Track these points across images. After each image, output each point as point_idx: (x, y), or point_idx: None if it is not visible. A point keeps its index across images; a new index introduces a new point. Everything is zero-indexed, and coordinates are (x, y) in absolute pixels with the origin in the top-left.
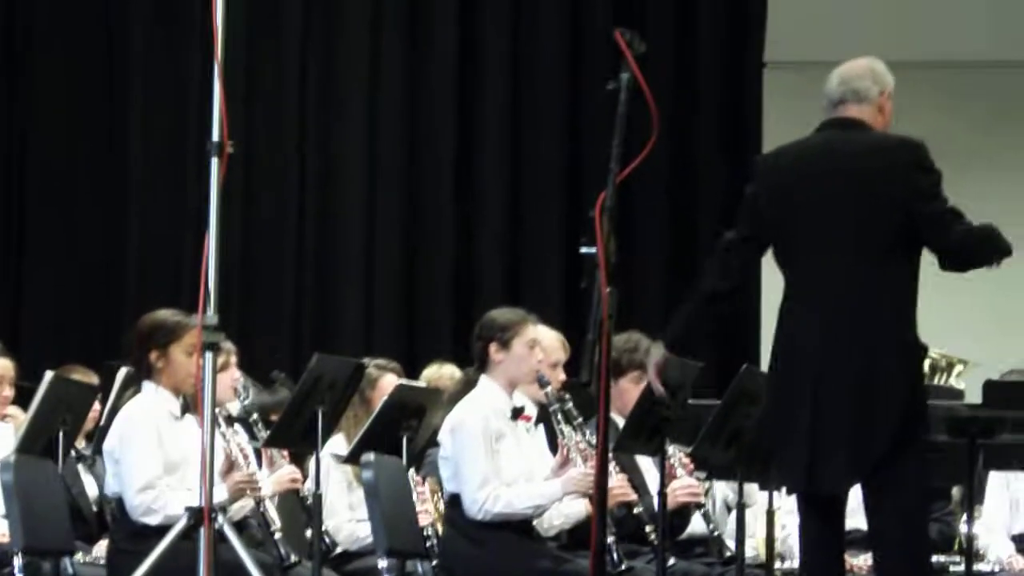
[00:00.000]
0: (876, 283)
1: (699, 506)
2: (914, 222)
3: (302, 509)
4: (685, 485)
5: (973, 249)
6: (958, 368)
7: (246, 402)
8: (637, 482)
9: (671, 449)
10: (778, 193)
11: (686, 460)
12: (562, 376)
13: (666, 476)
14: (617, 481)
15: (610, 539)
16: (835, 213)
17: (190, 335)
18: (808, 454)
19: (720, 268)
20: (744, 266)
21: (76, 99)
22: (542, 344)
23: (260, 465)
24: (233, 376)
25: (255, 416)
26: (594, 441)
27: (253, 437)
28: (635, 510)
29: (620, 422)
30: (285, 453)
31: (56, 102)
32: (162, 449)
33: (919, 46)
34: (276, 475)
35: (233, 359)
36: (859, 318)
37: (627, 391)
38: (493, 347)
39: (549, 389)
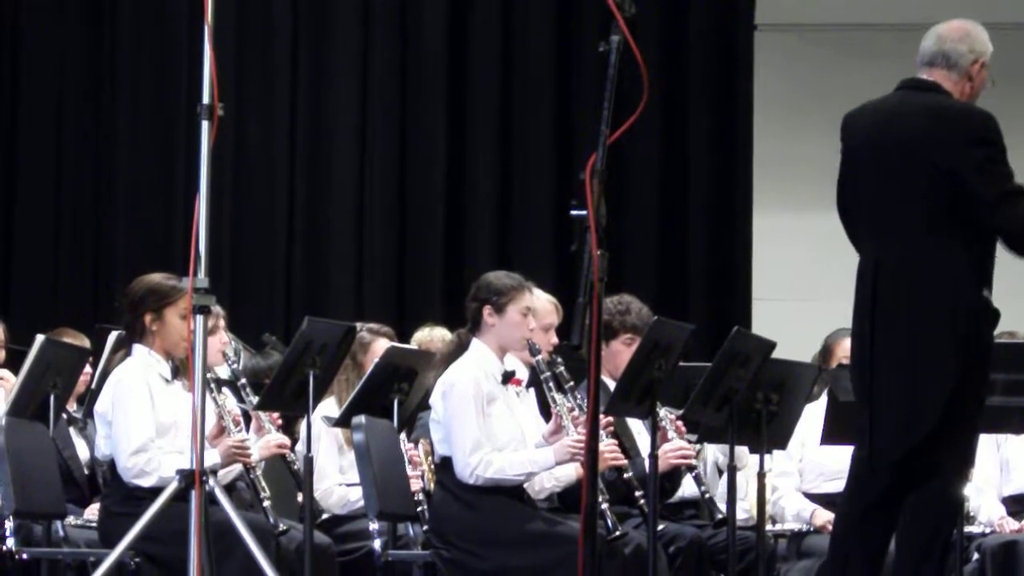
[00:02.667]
0: (929, 248)
1: (690, 468)
2: (966, 196)
3: (290, 474)
4: (676, 447)
5: None
6: None
7: (234, 366)
8: (628, 444)
9: (662, 412)
10: (849, 152)
11: (678, 423)
12: (554, 339)
13: (657, 438)
14: (608, 445)
15: (604, 505)
16: (890, 177)
17: (185, 298)
18: (867, 422)
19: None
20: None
21: (65, 65)
22: (536, 309)
23: (248, 429)
24: (222, 340)
25: (243, 380)
26: (585, 405)
27: (241, 401)
28: (625, 475)
29: (611, 384)
30: (275, 417)
31: (45, 67)
32: (154, 412)
33: (910, 8)
34: (263, 440)
35: (222, 323)
36: (910, 284)
37: (618, 353)
38: (487, 310)
39: (540, 357)
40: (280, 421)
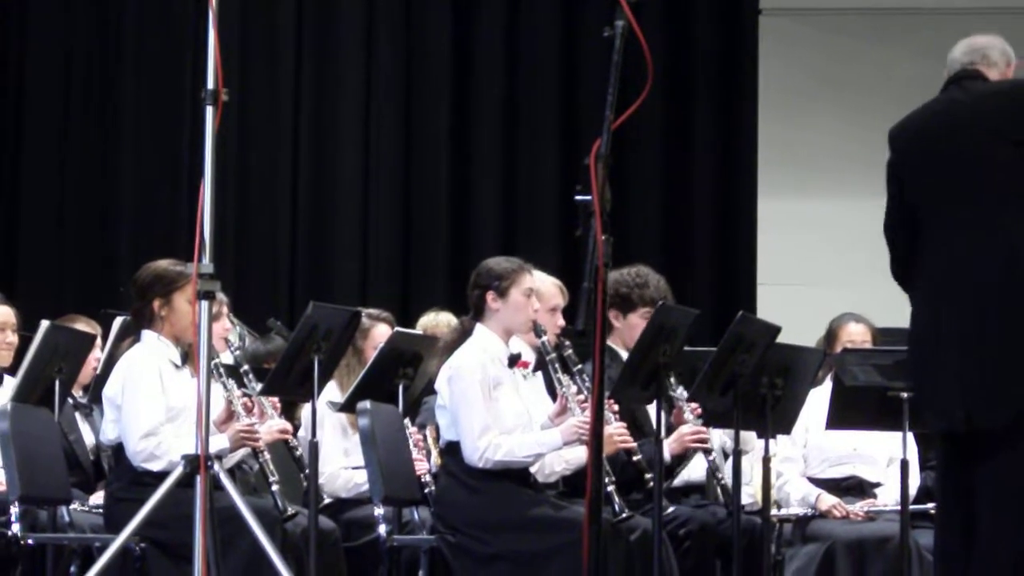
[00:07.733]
0: (1016, 225)
1: (707, 451)
2: None
3: (292, 460)
4: (693, 431)
5: None
6: None
7: (237, 353)
8: (642, 420)
9: (679, 390)
10: (904, 159)
11: (693, 404)
12: (561, 321)
13: (674, 419)
14: (616, 428)
15: (610, 488)
16: (968, 163)
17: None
18: (960, 394)
19: (890, 247)
20: (906, 239)
21: (69, 50)
22: (539, 291)
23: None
24: (224, 327)
25: (245, 367)
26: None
27: (243, 387)
28: (635, 458)
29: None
30: (275, 402)
31: (49, 54)
32: (164, 396)
33: None
34: (265, 426)
35: (225, 309)
36: (1001, 262)
37: (637, 327)
38: (490, 295)
39: (545, 339)
40: (279, 406)
